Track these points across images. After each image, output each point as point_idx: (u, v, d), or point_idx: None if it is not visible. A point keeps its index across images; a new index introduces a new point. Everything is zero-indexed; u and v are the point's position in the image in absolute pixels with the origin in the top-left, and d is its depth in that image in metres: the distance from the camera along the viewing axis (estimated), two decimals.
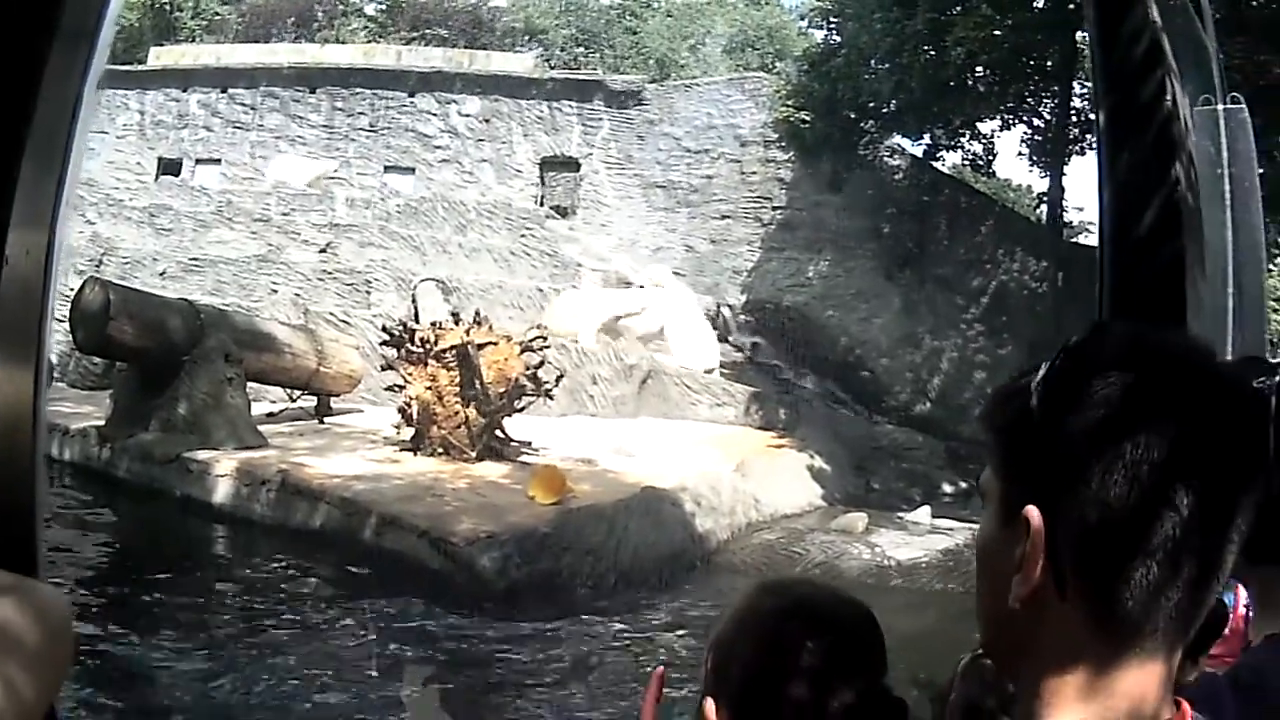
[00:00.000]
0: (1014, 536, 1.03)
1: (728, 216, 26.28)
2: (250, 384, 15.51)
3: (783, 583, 1.72)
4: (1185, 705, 1.05)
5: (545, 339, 16.02)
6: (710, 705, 1.51)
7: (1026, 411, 1.04)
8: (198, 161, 29.91)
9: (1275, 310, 14.77)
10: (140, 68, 30.54)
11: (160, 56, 31.34)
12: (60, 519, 11.85)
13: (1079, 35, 22.83)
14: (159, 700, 8.16)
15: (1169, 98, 1.68)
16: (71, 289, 14.44)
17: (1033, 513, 1.00)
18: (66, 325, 13.89)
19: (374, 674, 8.78)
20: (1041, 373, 1.05)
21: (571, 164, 28.05)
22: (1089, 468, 0.98)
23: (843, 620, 1.54)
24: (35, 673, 1.06)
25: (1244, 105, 1.93)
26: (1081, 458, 0.99)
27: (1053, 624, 1.02)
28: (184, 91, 30.41)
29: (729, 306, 24.39)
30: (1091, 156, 27.29)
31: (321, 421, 17.00)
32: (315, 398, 17.44)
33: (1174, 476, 0.97)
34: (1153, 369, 1.01)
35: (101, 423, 14.61)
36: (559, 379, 15.58)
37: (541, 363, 15.36)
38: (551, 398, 15.48)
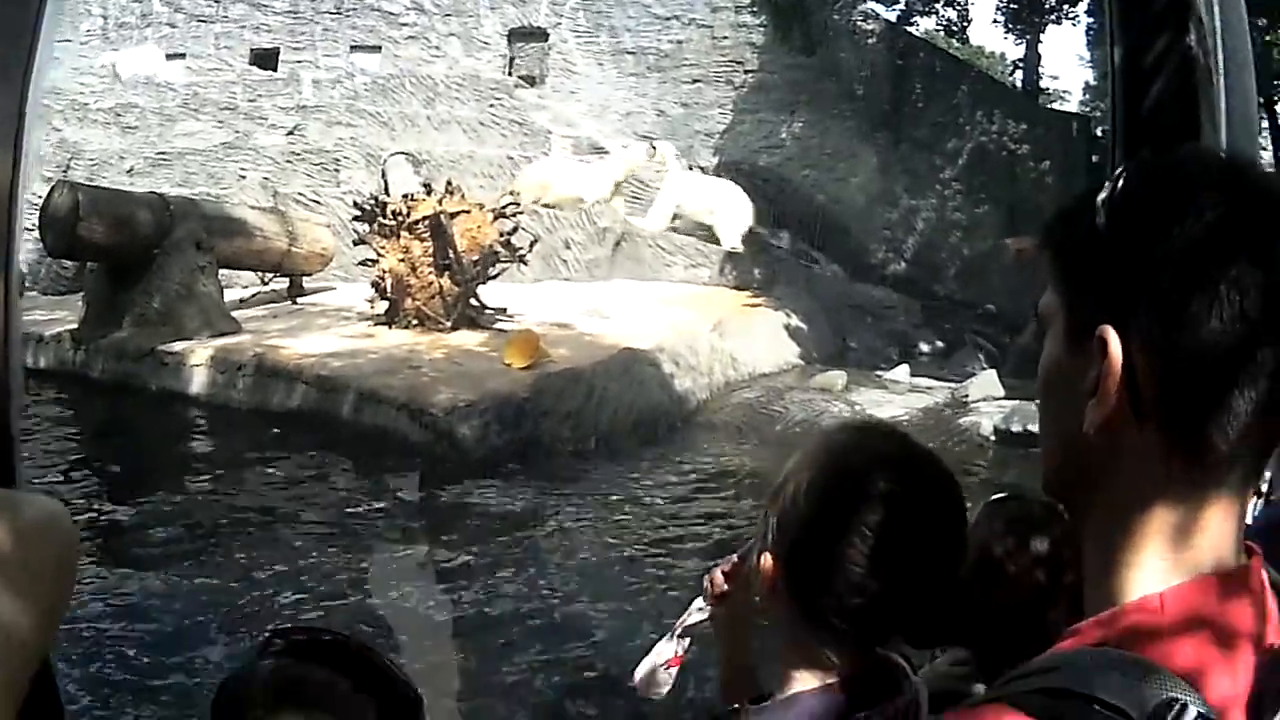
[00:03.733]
0: (1085, 359, 0.96)
1: (699, 80, 25.85)
2: (222, 270, 15.29)
3: (856, 422, 1.66)
4: (1257, 555, 0.98)
5: (518, 204, 15.91)
6: (768, 559, 1.47)
7: (1094, 229, 0.97)
8: (166, 57, 29.08)
9: None
10: None
11: None
12: (40, 426, 11.58)
13: None
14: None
15: None
16: (39, 196, 14.12)
17: (1109, 333, 0.93)
18: (36, 233, 13.68)
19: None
20: (1110, 189, 0.98)
21: (540, 34, 27.47)
22: (1177, 291, 0.91)
23: (915, 453, 1.48)
24: (32, 599, 0.94)
25: None
26: (1168, 280, 0.91)
27: (1129, 455, 0.95)
28: None
29: (700, 169, 24.00)
30: (1067, 25, 27.16)
31: (295, 302, 16.88)
32: (288, 279, 17.31)
33: (1274, 306, 0.90)
34: (1249, 196, 0.94)
35: (75, 326, 14.37)
36: (532, 244, 15.47)
37: (515, 229, 15.23)
38: (525, 263, 15.43)
